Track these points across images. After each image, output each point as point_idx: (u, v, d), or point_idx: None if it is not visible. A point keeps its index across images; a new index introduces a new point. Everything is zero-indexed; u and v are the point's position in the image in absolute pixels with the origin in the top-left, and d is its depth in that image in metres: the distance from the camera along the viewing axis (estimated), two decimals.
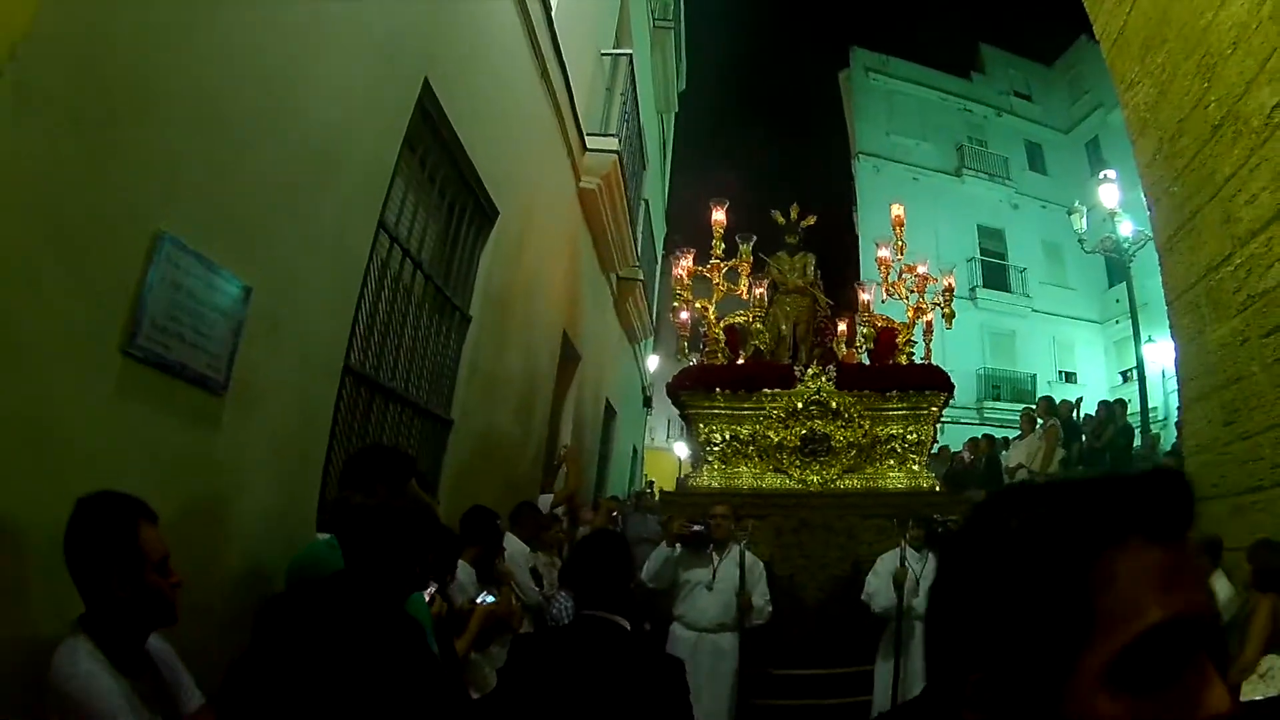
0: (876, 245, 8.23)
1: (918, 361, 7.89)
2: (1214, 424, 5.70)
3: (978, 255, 26.66)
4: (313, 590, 2.17)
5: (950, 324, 8.17)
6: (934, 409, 7.47)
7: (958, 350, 23.91)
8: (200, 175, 2.57)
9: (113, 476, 2.08)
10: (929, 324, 8.12)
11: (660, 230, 20.03)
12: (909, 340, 7.86)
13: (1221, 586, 4.60)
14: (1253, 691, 4.00)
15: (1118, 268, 13.35)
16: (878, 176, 26.88)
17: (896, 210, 8.56)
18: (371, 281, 4.09)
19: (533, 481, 7.80)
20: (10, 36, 1.84)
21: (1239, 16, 5.12)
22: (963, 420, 22.02)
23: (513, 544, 5.22)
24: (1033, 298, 26.63)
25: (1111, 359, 25.19)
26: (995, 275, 26.72)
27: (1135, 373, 12.63)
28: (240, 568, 2.91)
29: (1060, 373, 25.93)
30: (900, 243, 8.32)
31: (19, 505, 1.94)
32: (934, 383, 7.55)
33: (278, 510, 3.25)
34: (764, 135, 53.86)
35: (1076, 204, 13.93)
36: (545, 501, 7.41)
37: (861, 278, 8.05)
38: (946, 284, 8.12)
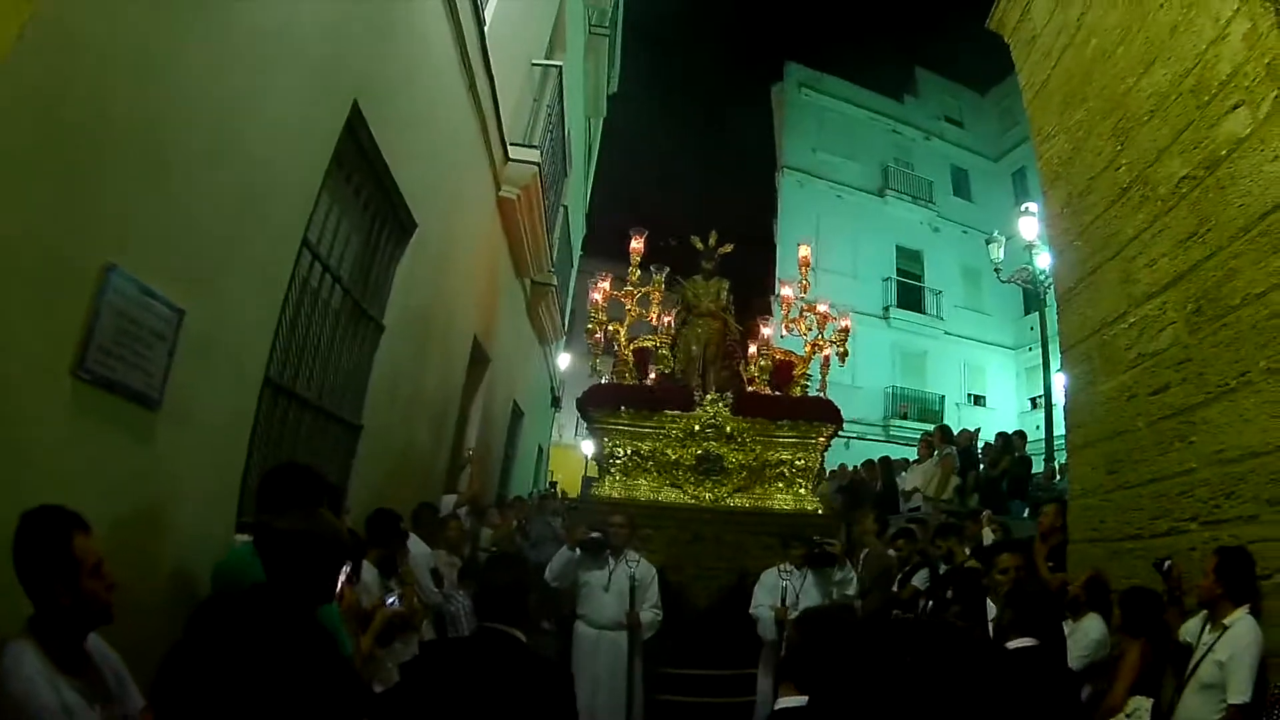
0: (779, 284, 8.71)
1: (813, 393, 8.37)
2: (1098, 471, 5.82)
3: (894, 275, 27.10)
4: (236, 601, 2.42)
5: (844, 362, 8.65)
6: (822, 438, 8.02)
7: (868, 367, 24.57)
8: (145, 212, 2.79)
9: (64, 487, 2.31)
10: (825, 359, 8.59)
11: (579, 232, 20.30)
12: (805, 373, 8.34)
13: (1094, 626, 4.75)
14: None
15: (1033, 296, 13.69)
16: (801, 191, 27.18)
17: (804, 251, 9.05)
18: (293, 297, 4.29)
19: (440, 483, 8.02)
20: None
21: (1160, 86, 5.27)
22: (869, 437, 22.70)
23: (416, 546, 5.48)
24: (946, 320, 27.11)
25: (1022, 385, 25.67)
26: (911, 296, 27.16)
27: (1043, 400, 13.01)
28: (172, 569, 3.13)
29: (969, 395, 26.53)
30: (804, 282, 8.80)
31: None
32: (824, 415, 8.05)
33: (203, 515, 3.46)
34: (693, 140, 54.37)
35: (995, 233, 14.23)
36: (449, 501, 7.65)
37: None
38: (844, 325, 8.64)
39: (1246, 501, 4.27)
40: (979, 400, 26.32)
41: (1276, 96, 4.22)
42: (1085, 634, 4.72)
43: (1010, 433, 12.17)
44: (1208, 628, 3.97)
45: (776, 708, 2.29)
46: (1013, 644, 3.59)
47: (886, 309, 26.41)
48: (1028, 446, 11.97)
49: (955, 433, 12.43)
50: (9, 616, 2.11)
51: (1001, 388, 26.66)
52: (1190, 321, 4.85)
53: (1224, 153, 4.61)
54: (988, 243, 14.33)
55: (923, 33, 32.41)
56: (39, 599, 2.10)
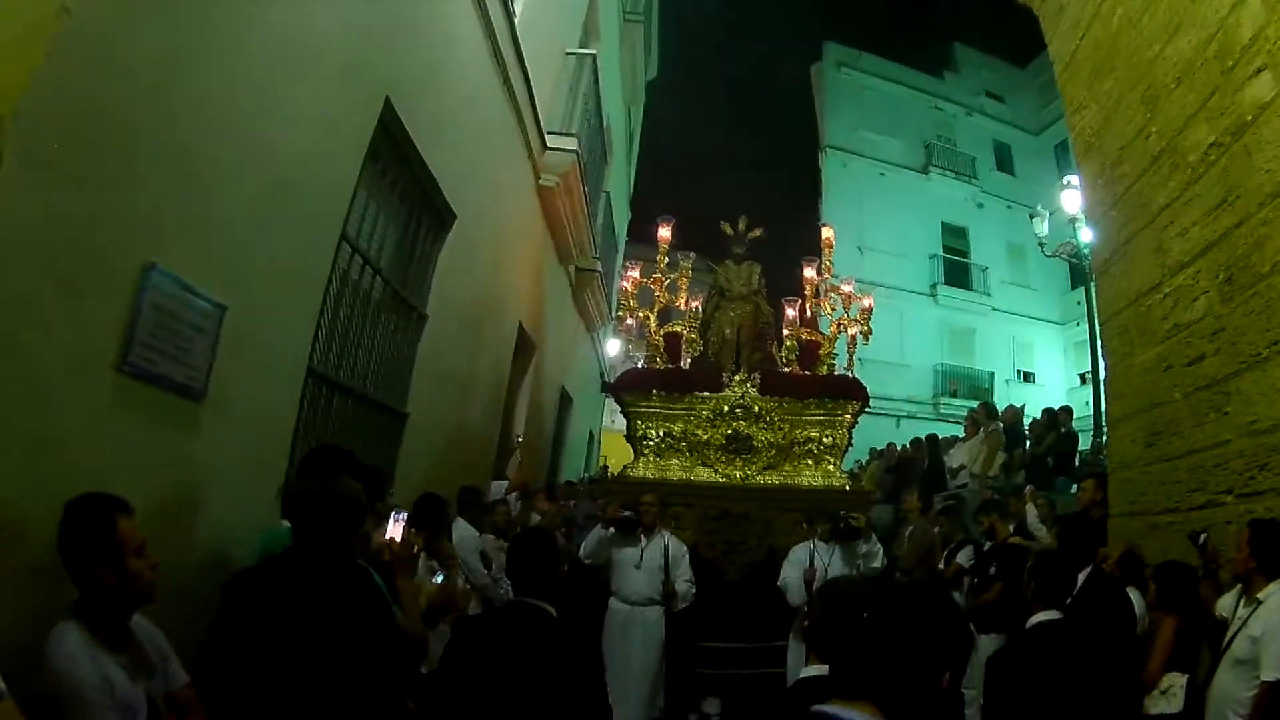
0: (802, 264, 8.76)
1: (839, 372, 8.43)
2: (1136, 444, 5.75)
3: (940, 252, 26.91)
4: (268, 564, 2.63)
5: (867, 340, 8.66)
6: (848, 415, 8.08)
7: (917, 346, 24.51)
8: (181, 212, 2.95)
9: (108, 475, 2.46)
10: (852, 338, 8.63)
11: (624, 218, 20.36)
12: (831, 353, 8.40)
13: (1135, 600, 4.70)
14: (1154, 707, 4.13)
15: (1079, 270, 13.46)
16: (844, 170, 26.98)
17: (826, 234, 9.09)
18: (333, 289, 4.44)
19: (486, 468, 8.17)
20: (11, 96, 2.18)
21: (1185, 53, 5.19)
22: (919, 415, 22.75)
23: (461, 529, 5.58)
24: (993, 296, 26.81)
25: (1070, 360, 25.19)
26: (957, 273, 26.89)
27: (1091, 375, 12.71)
28: (214, 553, 3.29)
29: (1019, 372, 26.23)
30: (828, 263, 8.86)
31: (32, 505, 2.28)
32: (850, 392, 8.14)
33: (247, 500, 3.63)
34: (735, 122, 54.02)
35: (1039, 208, 13.98)
36: (498, 487, 7.79)
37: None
38: (867, 304, 8.69)
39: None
40: (1028, 377, 26.04)
41: None
42: None
43: (1056, 409, 11.99)
44: (1242, 602, 3.92)
45: (801, 675, 2.35)
46: (1036, 618, 3.59)
47: (934, 286, 26.29)
48: (1077, 422, 11.86)
49: (1001, 410, 12.37)
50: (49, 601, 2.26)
51: (1050, 363, 26.35)
52: (1222, 290, 4.79)
53: (1249, 118, 4.54)
54: (1031, 217, 14.16)
55: (960, 7, 31.70)
56: (83, 581, 2.22)
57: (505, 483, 8.12)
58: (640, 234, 23.79)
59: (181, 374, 3.00)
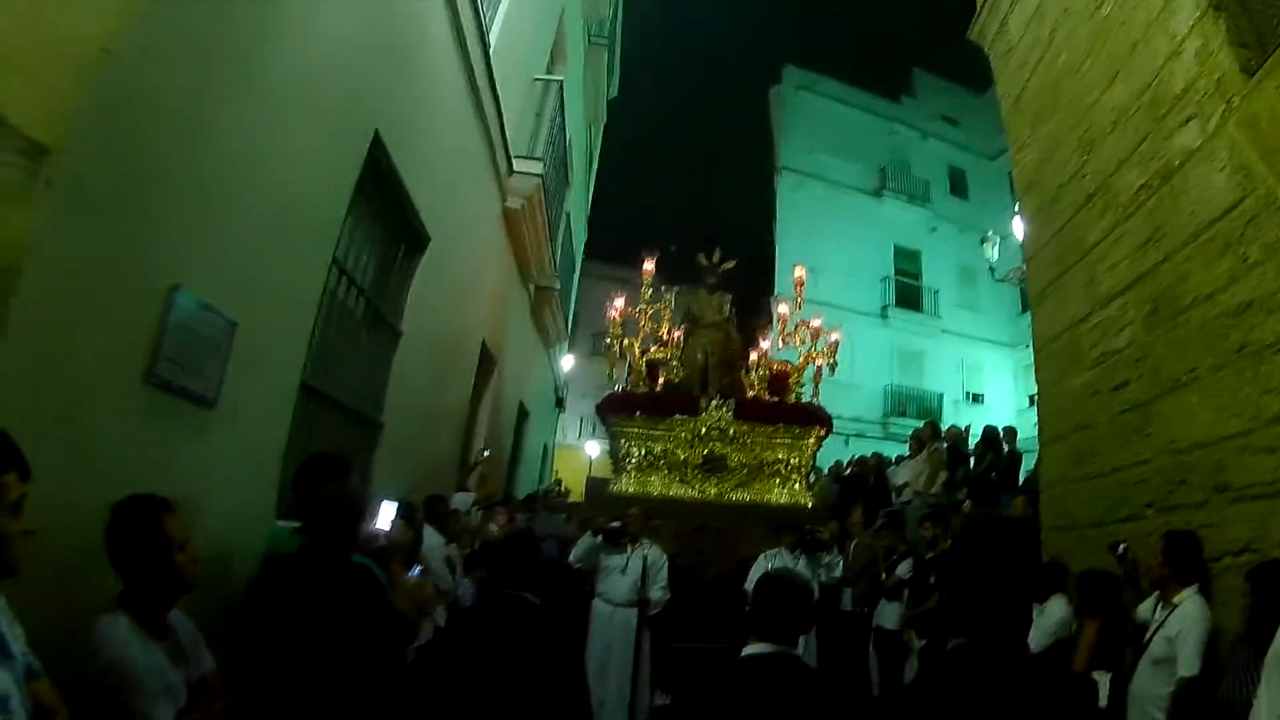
0: (775, 301, 9.49)
1: (806, 399, 9.06)
2: (1065, 463, 6.15)
3: (892, 274, 27.25)
4: (289, 559, 2.92)
5: (834, 372, 9.29)
6: (813, 439, 8.78)
7: (866, 366, 24.69)
8: (200, 238, 3.22)
9: (136, 479, 2.68)
10: (819, 369, 9.26)
11: (581, 236, 20.67)
12: (799, 381, 9.04)
13: (1058, 607, 5.02)
14: None
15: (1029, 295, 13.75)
16: (798, 192, 27.35)
17: (799, 272, 9.84)
18: (323, 309, 4.72)
19: (451, 479, 8.45)
20: (58, 131, 2.41)
21: (1121, 101, 5.60)
22: (868, 435, 23.01)
23: (430, 536, 5.84)
24: (944, 319, 27.24)
25: (1020, 382, 25.50)
26: (908, 295, 27.31)
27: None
28: (220, 548, 3.52)
29: (968, 393, 26.69)
30: (799, 300, 9.53)
31: (69, 505, 2.43)
32: (815, 419, 8.83)
33: (250, 500, 3.93)
34: (694, 142, 54.76)
35: (990, 233, 14.15)
36: (464, 499, 8.06)
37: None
38: (834, 338, 9.32)
39: (1195, 489, 4.58)
40: (977, 398, 26.47)
41: (1224, 111, 4.53)
42: (1050, 615, 5.00)
43: (1000, 429, 12.34)
44: (1159, 606, 4.25)
45: (743, 654, 2.65)
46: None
47: (884, 308, 26.68)
48: (1025, 442, 12.16)
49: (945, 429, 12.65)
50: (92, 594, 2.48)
51: (999, 385, 26.76)
52: (1147, 321, 5.17)
53: (1177, 163, 4.93)
54: (982, 242, 14.37)
55: (921, 33, 32.46)
56: (130, 575, 2.42)
57: (470, 495, 8.36)
58: (599, 250, 24.18)
59: (199, 385, 3.27)
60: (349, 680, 2.57)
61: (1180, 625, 3.98)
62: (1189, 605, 4.04)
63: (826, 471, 15.19)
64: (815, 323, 9.62)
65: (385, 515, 3.96)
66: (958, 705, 1.88)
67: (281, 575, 2.82)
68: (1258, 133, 4.21)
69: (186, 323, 3.13)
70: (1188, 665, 3.84)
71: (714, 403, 8.87)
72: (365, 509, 3.10)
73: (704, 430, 8.76)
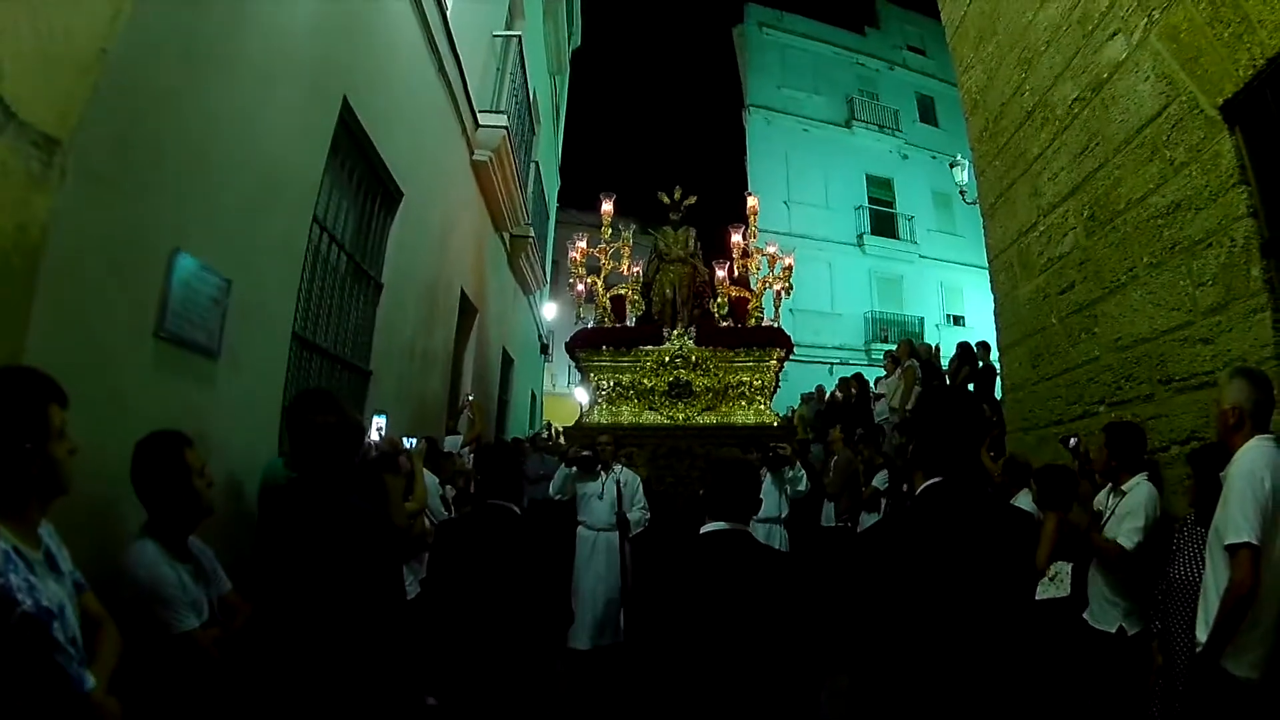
0: (729, 230, 9.79)
1: (767, 323, 9.48)
2: (1024, 367, 6.36)
3: (866, 204, 27.43)
4: (298, 484, 3.03)
5: (790, 295, 9.70)
6: (774, 361, 9.13)
7: (846, 295, 25.06)
8: (197, 205, 3.53)
9: (152, 421, 2.95)
10: (777, 293, 9.65)
11: (554, 185, 20.85)
12: (758, 306, 9.46)
13: (1025, 502, 4.98)
14: (1044, 592, 4.52)
15: None
16: (768, 128, 27.39)
17: (751, 202, 10.12)
18: (308, 264, 5.04)
19: (440, 423, 8.86)
20: (68, 124, 2.69)
21: (1053, 19, 5.77)
22: (851, 361, 23.25)
23: (427, 476, 6.27)
24: (920, 244, 27.49)
25: None
26: (884, 223, 27.55)
27: None
28: (229, 480, 3.88)
29: (948, 316, 26.90)
30: (753, 229, 9.90)
31: (98, 445, 2.64)
32: (775, 341, 9.20)
33: (253, 439, 4.30)
34: (662, 86, 54.43)
35: (959, 157, 14.49)
36: (452, 441, 8.45)
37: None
38: (788, 263, 9.68)
39: (1142, 383, 4.82)
40: (958, 320, 26.62)
41: (1146, 24, 4.74)
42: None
43: (974, 344, 12.47)
44: (1112, 495, 4.37)
45: (702, 531, 2.92)
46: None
47: (860, 237, 26.91)
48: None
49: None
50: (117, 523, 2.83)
51: (979, 306, 25.78)
52: (1087, 226, 5.41)
53: (1106, 75, 5.15)
54: (952, 166, 14.77)
55: None
56: (155, 503, 2.69)
57: (459, 437, 8.74)
58: (572, 199, 24.31)
59: (203, 337, 3.60)
60: (356, 602, 2.74)
61: (1129, 506, 4.14)
62: (1138, 490, 4.18)
63: (810, 398, 15.71)
64: (771, 249, 9.96)
65: (375, 426, 4.34)
66: (940, 529, 2.32)
67: (298, 494, 2.95)
68: (1178, 43, 4.44)
69: (187, 280, 3.44)
70: (1127, 538, 4.01)
71: (676, 331, 9.26)
72: (362, 435, 3.40)
73: (668, 359, 9.12)
